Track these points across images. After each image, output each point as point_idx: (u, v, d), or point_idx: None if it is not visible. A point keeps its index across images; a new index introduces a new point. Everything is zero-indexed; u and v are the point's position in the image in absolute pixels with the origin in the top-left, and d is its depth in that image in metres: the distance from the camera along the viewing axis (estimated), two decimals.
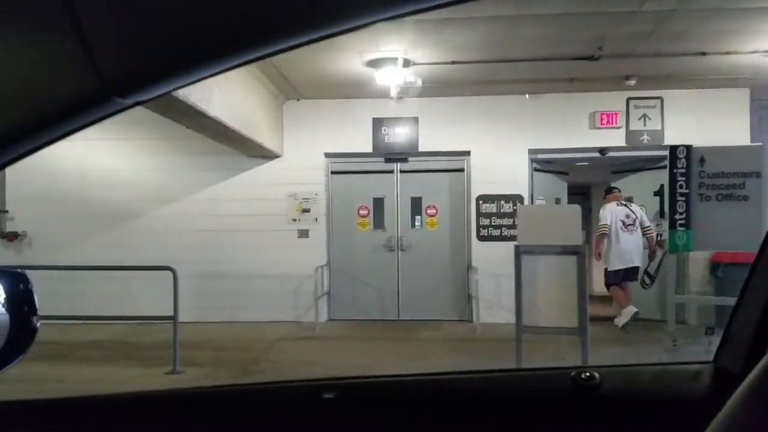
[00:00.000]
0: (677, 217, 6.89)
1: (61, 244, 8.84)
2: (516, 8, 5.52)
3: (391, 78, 6.96)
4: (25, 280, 0.84)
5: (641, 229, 7.95)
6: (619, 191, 8.38)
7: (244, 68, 6.66)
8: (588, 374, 1.25)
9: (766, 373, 0.52)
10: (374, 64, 6.85)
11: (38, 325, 0.84)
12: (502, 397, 1.29)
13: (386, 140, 8.84)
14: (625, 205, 8.07)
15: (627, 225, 7.90)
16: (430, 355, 6.65)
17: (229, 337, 7.63)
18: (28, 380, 5.47)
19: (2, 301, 0.82)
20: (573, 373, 1.26)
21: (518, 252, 4.76)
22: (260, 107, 7.66)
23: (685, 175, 6.84)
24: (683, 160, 6.94)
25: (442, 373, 1.35)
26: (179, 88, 0.53)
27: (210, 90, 5.75)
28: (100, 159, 9.02)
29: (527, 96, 8.41)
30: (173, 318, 6.05)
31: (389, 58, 6.66)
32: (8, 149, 0.55)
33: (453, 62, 6.88)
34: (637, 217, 7.97)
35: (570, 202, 11.39)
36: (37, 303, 0.84)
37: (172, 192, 8.96)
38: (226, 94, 6.24)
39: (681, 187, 6.84)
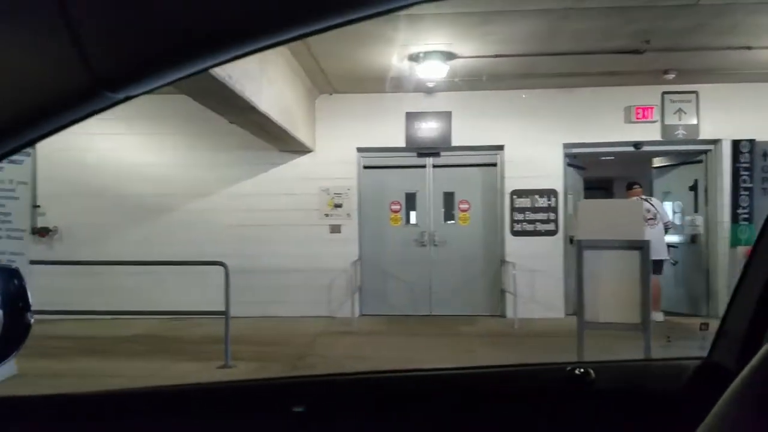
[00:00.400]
0: (740, 211, 6.90)
1: (92, 239, 8.82)
2: (567, 1, 5.49)
3: (433, 71, 6.94)
4: (19, 276, 0.84)
5: (662, 223, 8.01)
6: (640, 186, 8.45)
7: (285, 62, 6.65)
8: (583, 370, 1.27)
9: (759, 368, 0.52)
10: (416, 57, 6.82)
11: (32, 321, 0.83)
12: (499, 392, 1.30)
13: (419, 135, 8.82)
14: (646, 200, 8.15)
15: (647, 219, 7.96)
16: (476, 350, 6.64)
17: (266, 332, 7.63)
18: (80, 375, 5.51)
19: None
20: (568, 369, 1.28)
21: (580, 247, 4.73)
22: (298, 102, 7.64)
23: (749, 169, 6.83)
24: (747, 155, 6.93)
25: (440, 369, 1.36)
26: (171, 83, 0.54)
27: (260, 85, 5.72)
28: (131, 154, 8.99)
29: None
30: (224, 313, 6.05)
31: (433, 52, 6.63)
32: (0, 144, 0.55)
33: (496, 55, 6.84)
34: (657, 211, 8.04)
35: (590, 196, 11.44)
36: (30, 299, 0.84)
37: (204, 187, 8.94)
38: (273, 89, 6.21)
39: (744, 181, 6.83)
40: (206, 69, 0.53)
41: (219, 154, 8.87)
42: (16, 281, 0.83)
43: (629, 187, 8.48)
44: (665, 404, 1.25)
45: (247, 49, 0.51)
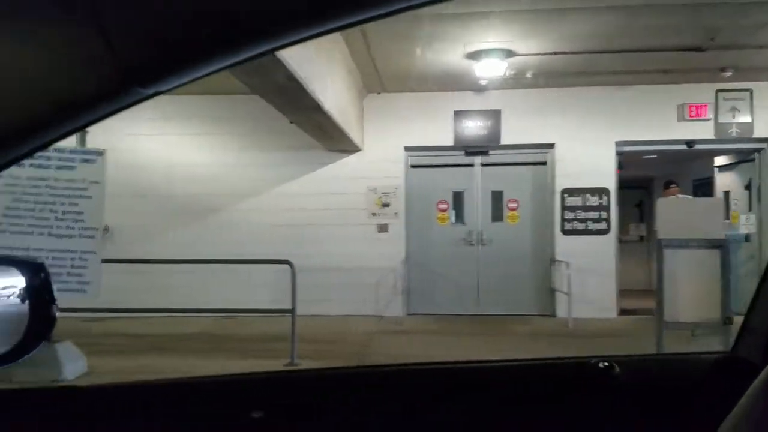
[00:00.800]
0: None
1: (142, 238, 8.88)
2: None
3: (490, 69, 6.92)
4: (44, 270, 0.86)
5: None
6: (677, 185, 8.40)
7: (342, 61, 6.68)
8: (607, 364, 1.26)
9: None
10: (475, 55, 6.79)
11: (57, 314, 0.85)
12: (522, 386, 1.29)
13: (467, 133, 8.78)
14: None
15: None
16: (538, 351, 6.59)
17: (318, 330, 7.60)
18: (147, 372, 5.56)
19: (20, 291, 0.85)
20: (593, 363, 1.27)
21: (660, 246, 4.68)
22: (351, 101, 7.65)
23: None
24: None
25: (459, 362, 1.34)
26: (201, 77, 0.54)
27: (326, 85, 5.73)
28: (181, 154, 9.06)
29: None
30: (284, 311, 6.09)
31: (493, 49, 6.60)
32: (31, 139, 0.57)
33: (554, 53, 6.79)
34: None
35: (628, 195, 11.37)
36: (55, 293, 0.86)
37: (252, 187, 8.98)
38: (334, 89, 6.22)
39: None
40: (235, 64, 0.53)
41: (267, 154, 8.90)
42: (42, 275, 0.85)
43: (666, 185, 8.48)
44: (689, 398, 1.24)
45: (275, 45, 0.52)
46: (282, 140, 8.57)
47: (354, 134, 8.01)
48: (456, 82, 8.09)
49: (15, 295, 0.86)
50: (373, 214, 8.92)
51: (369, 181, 8.86)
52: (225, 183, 9.00)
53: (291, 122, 6.68)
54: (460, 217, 9.01)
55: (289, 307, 8.28)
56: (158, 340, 7.14)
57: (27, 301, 0.85)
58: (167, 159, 9.04)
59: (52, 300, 0.86)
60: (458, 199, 9.01)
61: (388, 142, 8.83)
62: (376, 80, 8.13)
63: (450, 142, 8.82)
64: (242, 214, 8.96)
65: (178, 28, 0.51)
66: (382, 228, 8.92)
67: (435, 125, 8.76)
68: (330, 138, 7.72)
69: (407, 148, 8.91)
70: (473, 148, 8.87)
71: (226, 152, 9.03)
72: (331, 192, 8.84)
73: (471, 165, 8.98)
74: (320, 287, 8.67)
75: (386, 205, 8.90)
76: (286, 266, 8.54)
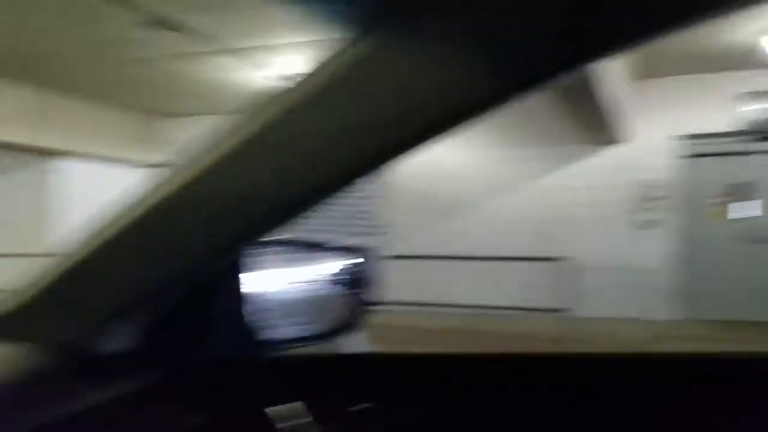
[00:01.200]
0: None
1: (404, 234, 9.25)
2: None
3: None
4: (367, 260, 0.89)
5: None
6: None
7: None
8: None
9: None
10: None
11: (371, 300, 0.87)
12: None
13: (753, 117, 7.75)
14: None
15: None
16: None
17: (590, 332, 7.30)
18: None
19: (332, 276, 0.87)
20: None
21: None
22: (621, 90, 7.21)
23: None
24: None
25: (681, 353, 1.09)
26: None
27: (605, 75, 5.43)
28: (432, 151, 9.27)
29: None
30: (561, 310, 5.96)
31: None
32: (402, 150, 0.62)
33: None
34: None
35: None
36: (373, 282, 0.88)
37: (507, 182, 8.94)
38: (611, 79, 5.89)
39: None
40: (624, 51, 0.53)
41: (523, 149, 8.78)
42: (364, 264, 0.88)
43: None
44: None
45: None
46: (538, 134, 8.40)
47: (621, 125, 7.55)
48: (739, 61, 7.20)
49: (328, 280, 0.90)
50: (638, 209, 8.34)
51: (633, 173, 8.32)
52: (478, 179, 9.06)
53: (562, 116, 6.47)
54: (742, 211, 8.03)
55: (549, 306, 8.16)
56: (422, 333, 7.33)
57: (343, 286, 0.89)
58: (419, 157, 9.33)
59: (371, 288, 0.90)
60: (740, 190, 8.03)
61: (654, 131, 8.20)
62: (647, 65, 7.54)
63: (730, 128, 7.87)
64: (495, 210, 8.96)
65: (546, 38, 0.50)
66: (647, 223, 8.31)
67: (711, 111, 7.89)
68: (597, 130, 7.38)
69: (677, 137, 8.18)
70: (761, 134, 7.81)
71: (480, 148, 9.05)
72: (591, 186, 8.45)
73: (757, 152, 7.93)
74: (578, 286, 8.34)
75: (653, 199, 8.28)
76: (541, 264, 8.41)
